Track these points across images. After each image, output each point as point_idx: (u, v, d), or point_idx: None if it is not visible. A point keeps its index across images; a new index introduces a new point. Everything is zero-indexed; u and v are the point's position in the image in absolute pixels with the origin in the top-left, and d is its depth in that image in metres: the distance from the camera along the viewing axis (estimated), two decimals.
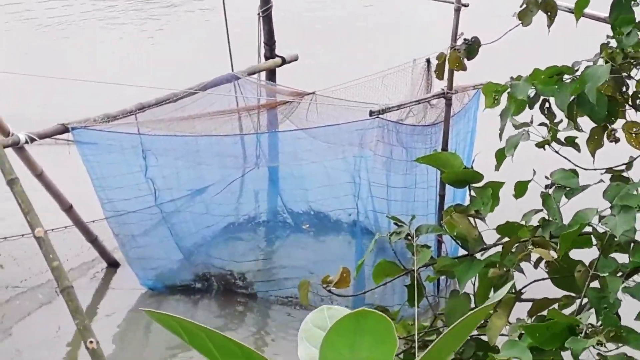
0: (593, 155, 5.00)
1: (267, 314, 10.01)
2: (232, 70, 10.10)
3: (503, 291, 1.82)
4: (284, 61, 10.48)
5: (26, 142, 8.94)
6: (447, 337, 1.57)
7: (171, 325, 1.52)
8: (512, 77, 5.10)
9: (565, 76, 4.91)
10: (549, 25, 5.38)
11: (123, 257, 10.37)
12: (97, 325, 8.64)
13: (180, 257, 10.09)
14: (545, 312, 4.65)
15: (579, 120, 4.99)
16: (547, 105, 5.12)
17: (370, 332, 1.51)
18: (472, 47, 5.89)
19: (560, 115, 4.99)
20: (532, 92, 4.99)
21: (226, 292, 10.16)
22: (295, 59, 10.64)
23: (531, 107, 5.03)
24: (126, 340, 9.68)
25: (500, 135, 4.96)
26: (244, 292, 10.11)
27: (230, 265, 10.14)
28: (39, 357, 9.23)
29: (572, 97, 4.80)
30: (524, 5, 5.36)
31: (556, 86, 4.85)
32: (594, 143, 4.93)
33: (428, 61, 9.67)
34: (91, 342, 6.71)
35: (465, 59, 5.99)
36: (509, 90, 5.03)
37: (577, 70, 4.85)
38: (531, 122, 4.90)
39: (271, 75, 10.53)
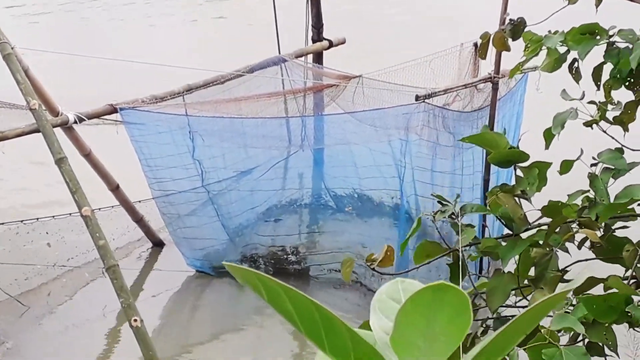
0: (625, 129, 4.94)
1: (318, 297, 10.04)
2: (279, 52, 10.10)
3: (579, 280, 1.80)
4: (331, 44, 10.47)
5: (75, 122, 9.00)
6: (516, 324, 1.57)
7: (251, 280, 1.53)
8: (549, 31, 5.08)
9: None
10: (597, 5, 5.33)
11: (168, 238, 10.46)
12: (142, 305, 8.72)
13: (227, 238, 10.16)
14: (590, 292, 4.62)
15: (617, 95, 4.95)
16: (575, 65, 5.08)
17: (447, 305, 1.51)
18: (517, 28, 5.85)
19: (586, 78, 4.95)
20: (564, 49, 4.97)
21: (274, 275, 10.20)
22: (343, 42, 10.63)
23: (559, 64, 4.99)
24: (171, 320, 9.73)
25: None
26: (296, 268, 10.18)
27: (277, 242, 10.20)
28: (84, 334, 9.31)
29: (600, 63, 4.77)
30: None
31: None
32: (628, 117, 4.87)
33: (475, 45, 9.63)
34: (135, 320, 6.74)
35: (510, 40, 5.95)
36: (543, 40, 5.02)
37: (612, 35, 4.80)
38: (582, 97, 4.87)
39: (318, 58, 10.53)
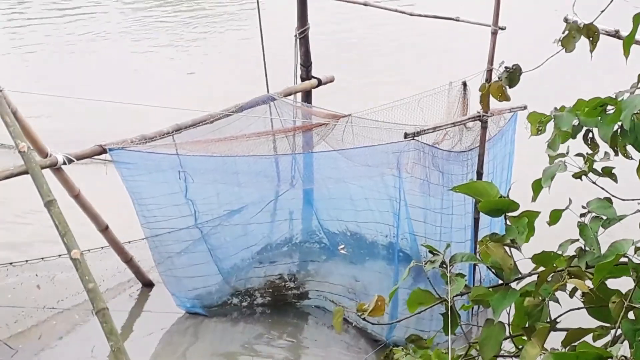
0: (614, 180, 4.96)
1: (316, 334, 10.00)
2: (268, 91, 10.11)
3: None
4: (320, 82, 10.48)
5: (64, 163, 8.97)
6: None
7: None
8: (555, 108, 5.08)
9: (609, 107, 4.87)
10: (592, 51, 5.34)
11: (157, 278, 10.41)
12: (133, 346, 8.65)
13: (220, 279, 10.12)
14: (579, 342, 4.60)
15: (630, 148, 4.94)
16: (590, 135, 5.09)
17: None
18: (513, 75, 5.83)
19: (604, 144, 4.96)
20: (575, 122, 4.96)
21: (267, 315, 10.20)
22: (332, 80, 10.64)
23: (574, 137, 5.00)
24: None
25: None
26: (295, 293, 10.23)
27: (274, 272, 10.21)
28: None
29: (616, 128, 4.76)
30: (566, 32, 5.32)
31: (599, 118, 4.82)
32: None
33: (464, 84, 9.65)
34: None
35: (507, 87, 5.93)
36: (553, 120, 5.02)
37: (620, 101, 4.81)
38: (567, 152, 4.88)
39: (307, 96, 10.54)
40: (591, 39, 5.35)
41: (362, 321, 9.20)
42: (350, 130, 9.73)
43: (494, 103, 8.72)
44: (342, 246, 10.31)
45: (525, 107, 9.12)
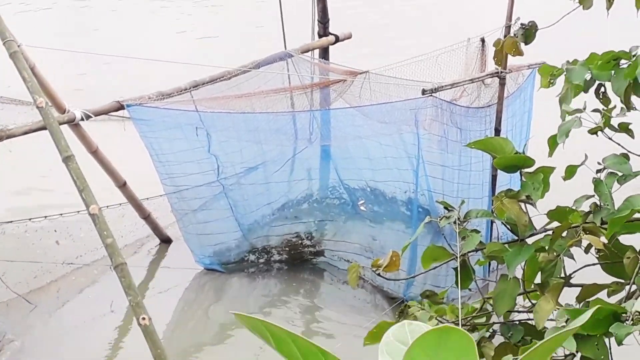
0: (631, 136, 4.93)
1: (329, 293, 10.03)
2: (285, 48, 10.06)
3: (586, 316, 1.74)
4: (337, 39, 10.43)
5: (82, 119, 8.98)
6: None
7: (259, 328, 1.55)
8: (568, 61, 5.04)
9: (622, 61, 4.84)
10: (608, 8, 5.29)
11: (176, 234, 10.45)
12: (151, 302, 8.72)
13: (239, 235, 10.14)
14: (593, 298, 4.61)
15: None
16: (602, 89, 5.06)
17: (452, 348, 1.53)
18: (529, 32, 5.80)
19: (615, 99, 4.93)
20: (587, 76, 4.93)
21: (283, 272, 10.22)
22: (349, 36, 10.59)
23: (586, 91, 4.96)
24: (180, 317, 9.72)
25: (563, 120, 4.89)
26: (311, 251, 10.25)
27: (292, 229, 10.23)
28: (92, 331, 9.31)
29: (629, 82, 4.73)
30: None
31: (612, 71, 4.79)
32: None
33: (482, 40, 9.60)
34: (143, 318, 6.69)
35: (522, 44, 5.90)
36: (565, 73, 4.99)
37: (634, 55, 4.77)
38: (584, 108, 4.84)
39: (324, 53, 10.49)
40: None
41: (378, 279, 9.30)
42: (367, 87, 9.69)
43: (513, 60, 8.73)
44: (362, 201, 10.29)
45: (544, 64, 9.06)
